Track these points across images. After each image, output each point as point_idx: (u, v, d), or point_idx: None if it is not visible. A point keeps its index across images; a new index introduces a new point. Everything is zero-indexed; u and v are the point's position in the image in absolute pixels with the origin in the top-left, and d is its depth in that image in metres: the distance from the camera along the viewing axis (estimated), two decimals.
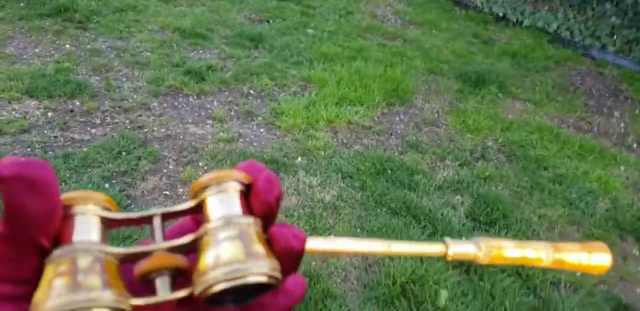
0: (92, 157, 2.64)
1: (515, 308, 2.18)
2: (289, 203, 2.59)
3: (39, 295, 0.25)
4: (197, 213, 0.32)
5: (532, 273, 2.36)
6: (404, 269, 2.23)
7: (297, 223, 2.44)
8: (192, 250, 0.30)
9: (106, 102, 3.20)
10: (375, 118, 3.61)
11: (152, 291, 0.28)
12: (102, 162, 2.63)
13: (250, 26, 4.93)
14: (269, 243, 0.29)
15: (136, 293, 0.27)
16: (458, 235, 2.51)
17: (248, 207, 0.31)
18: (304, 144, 3.10)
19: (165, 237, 0.30)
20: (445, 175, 3.02)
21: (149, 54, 3.96)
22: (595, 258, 0.37)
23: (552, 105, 4.33)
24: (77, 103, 3.13)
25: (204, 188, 0.31)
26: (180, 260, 0.28)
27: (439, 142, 3.45)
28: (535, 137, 3.68)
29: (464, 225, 2.63)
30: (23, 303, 0.25)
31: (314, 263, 2.24)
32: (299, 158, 2.97)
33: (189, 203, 0.31)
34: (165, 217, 0.31)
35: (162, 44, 4.15)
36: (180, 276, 0.29)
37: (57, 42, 3.86)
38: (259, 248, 0.28)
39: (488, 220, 2.69)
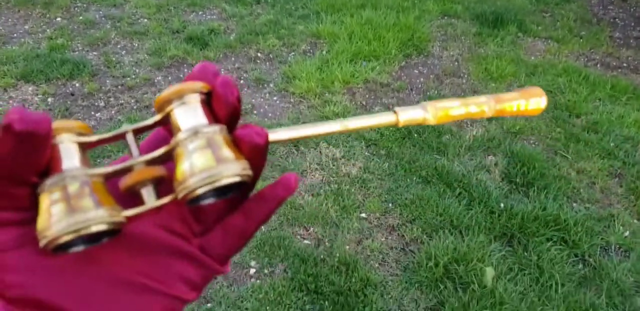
0: (100, 146, 2.49)
1: (566, 280, 2.06)
2: (314, 180, 2.45)
3: (41, 223, 0.28)
4: (165, 125, 0.34)
5: (579, 238, 2.23)
6: (445, 247, 2.10)
7: (325, 203, 2.30)
8: (168, 159, 0.32)
9: (107, 81, 3.02)
10: (393, 74, 3.40)
11: (137, 200, 0.32)
12: (111, 150, 2.48)
13: None
14: (236, 144, 0.32)
15: (125, 204, 0.31)
16: (496, 201, 2.37)
17: (212, 113, 0.33)
18: (321, 111, 2.92)
19: (141, 150, 0.33)
20: (474, 133, 2.84)
21: (146, 21, 3.73)
22: (532, 102, 0.41)
23: (576, 41, 4.07)
24: (77, 85, 2.95)
25: (167, 102, 0.32)
26: (159, 171, 0.31)
27: (462, 94, 3.25)
28: (562, 80, 3.46)
29: (501, 189, 2.48)
30: (26, 226, 0.29)
31: (347, 247, 2.12)
32: None
33: (156, 117, 0.33)
34: (136, 132, 0.33)
35: (159, 8, 3.91)
36: (162, 184, 0.32)
37: (47, 15, 3.64)
38: (227, 152, 0.31)
39: (525, 181, 2.54)
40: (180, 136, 0.31)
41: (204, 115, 0.32)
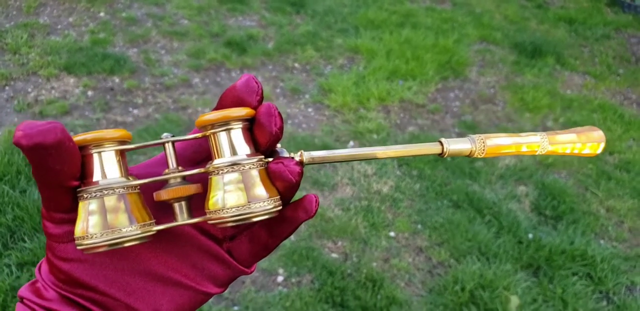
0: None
1: None
2: (344, 195, 2.44)
3: (79, 230, 0.30)
4: (204, 141, 0.36)
5: (605, 275, 2.20)
6: (471, 273, 2.08)
7: (355, 218, 2.29)
8: (203, 176, 0.34)
9: (146, 79, 3.04)
10: (429, 95, 3.40)
11: (169, 209, 0.34)
12: (147, 149, 2.49)
13: None
14: (270, 178, 0.33)
15: (155, 209, 0.35)
16: (524, 231, 2.35)
17: (252, 138, 0.34)
18: (355, 126, 2.92)
19: (178, 157, 0.35)
20: (507, 162, 2.82)
21: (186, 22, 3.76)
22: (589, 146, 0.38)
23: (613, 78, 4.05)
24: (117, 80, 2.97)
25: (211, 125, 0.33)
26: (194, 189, 0.33)
27: (497, 121, 3.24)
28: (597, 116, 3.45)
29: (530, 220, 2.46)
30: (74, 225, 0.32)
31: (374, 264, 2.11)
32: (351, 142, 2.81)
33: (197, 135, 0.35)
34: (176, 142, 0.35)
35: (200, 10, 3.94)
36: (194, 198, 0.34)
37: (92, 9, 3.68)
38: (260, 190, 0.32)
39: (554, 214, 2.51)
40: (219, 163, 0.33)
41: (245, 143, 0.33)
